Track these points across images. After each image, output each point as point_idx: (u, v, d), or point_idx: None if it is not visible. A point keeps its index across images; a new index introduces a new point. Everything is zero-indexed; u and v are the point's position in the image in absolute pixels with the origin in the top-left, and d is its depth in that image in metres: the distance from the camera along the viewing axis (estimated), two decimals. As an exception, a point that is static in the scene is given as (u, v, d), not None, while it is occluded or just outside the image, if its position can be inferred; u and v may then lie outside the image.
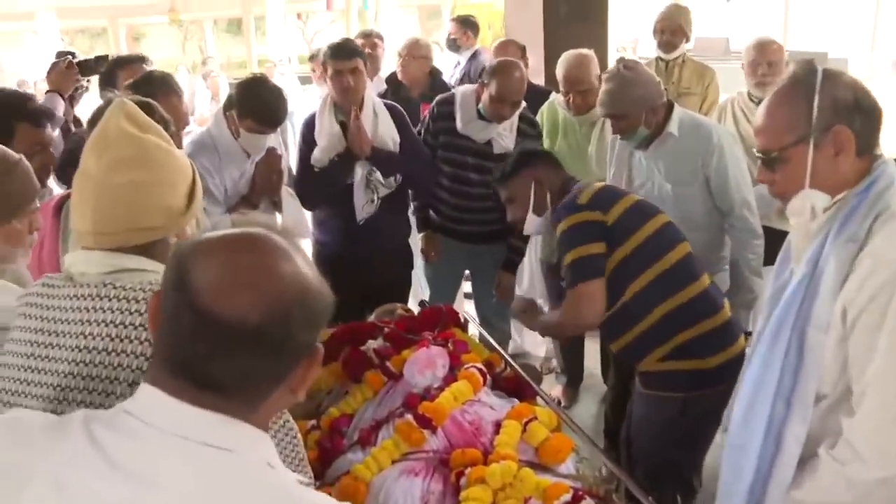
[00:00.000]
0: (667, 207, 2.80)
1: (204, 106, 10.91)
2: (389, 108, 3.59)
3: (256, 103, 3.05)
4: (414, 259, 3.92)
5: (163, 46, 28.24)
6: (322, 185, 3.50)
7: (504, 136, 3.58)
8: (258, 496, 0.98)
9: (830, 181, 1.61)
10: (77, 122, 3.72)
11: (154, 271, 1.34)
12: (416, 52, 4.74)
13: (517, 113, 3.59)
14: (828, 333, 1.57)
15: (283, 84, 12.12)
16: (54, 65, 3.59)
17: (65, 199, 1.96)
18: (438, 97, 3.81)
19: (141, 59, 3.57)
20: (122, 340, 1.27)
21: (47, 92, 3.52)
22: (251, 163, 3.19)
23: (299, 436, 1.50)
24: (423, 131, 3.77)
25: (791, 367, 1.62)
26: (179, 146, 2.48)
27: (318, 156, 3.45)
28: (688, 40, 4.48)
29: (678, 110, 3.09)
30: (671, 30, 4.43)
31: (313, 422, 2.30)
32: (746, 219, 3.04)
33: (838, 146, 1.58)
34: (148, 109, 1.83)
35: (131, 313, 1.28)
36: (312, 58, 6.27)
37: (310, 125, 3.58)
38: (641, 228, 2.49)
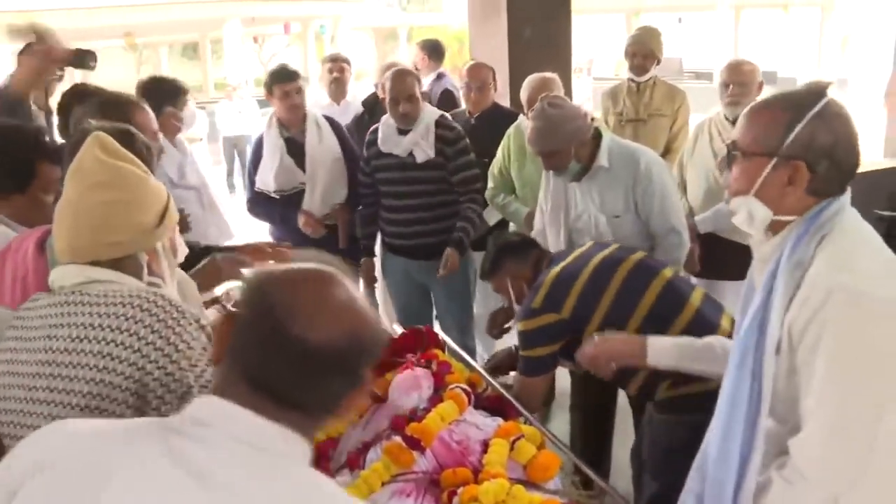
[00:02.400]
0: (604, 237, 2.93)
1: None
2: (329, 121, 4.10)
3: None
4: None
5: (117, 71, 27.95)
6: (271, 216, 4.12)
7: (422, 145, 3.74)
8: (321, 498, 1.09)
9: (774, 202, 1.64)
10: (49, 112, 3.38)
11: (122, 283, 1.48)
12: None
13: (433, 120, 3.77)
14: (778, 357, 1.60)
15: (243, 107, 12.16)
16: (26, 48, 3.23)
17: (46, 235, 1.94)
18: (370, 129, 3.99)
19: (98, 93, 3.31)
20: (82, 341, 1.40)
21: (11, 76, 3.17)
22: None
23: None
24: (362, 163, 3.99)
25: (755, 393, 1.63)
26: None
27: (263, 176, 3.99)
28: (658, 63, 4.57)
29: (606, 139, 3.11)
30: (643, 53, 4.52)
31: (299, 446, 2.29)
32: (671, 242, 3.08)
33: (791, 178, 1.60)
34: (128, 137, 1.87)
35: (95, 315, 1.42)
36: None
37: (259, 143, 4.10)
38: (605, 294, 2.52)
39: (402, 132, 3.76)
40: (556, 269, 2.64)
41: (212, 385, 1.17)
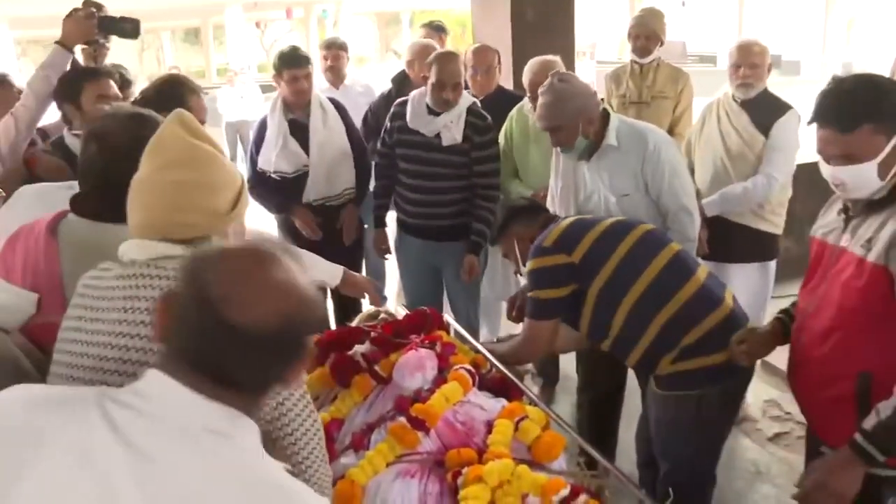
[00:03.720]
0: (615, 217, 2.89)
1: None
2: (335, 104, 4.14)
3: None
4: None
5: (119, 56, 27.89)
6: (271, 199, 4.13)
7: (451, 128, 3.72)
8: (255, 477, 1.11)
9: None
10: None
11: None
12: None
13: (465, 106, 3.74)
14: None
15: (246, 92, 12.12)
16: (72, 12, 3.22)
17: (59, 219, 1.93)
18: (397, 100, 3.99)
19: (108, 74, 3.29)
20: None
21: (56, 42, 3.16)
22: None
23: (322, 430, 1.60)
24: (382, 132, 3.98)
25: None
26: None
27: (265, 156, 4.02)
28: (662, 44, 4.54)
29: (615, 119, 3.10)
30: (646, 35, 4.50)
31: (304, 428, 2.30)
32: (682, 221, 3.07)
33: None
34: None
35: (168, 289, 1.36)
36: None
37: (262, 125, 4.11)
38: (615, 252, 2.54)
39: (434, 112, 3.73)
40: (572, 217, 2.72)
41: (155, 360, 1.19)
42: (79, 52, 3.42)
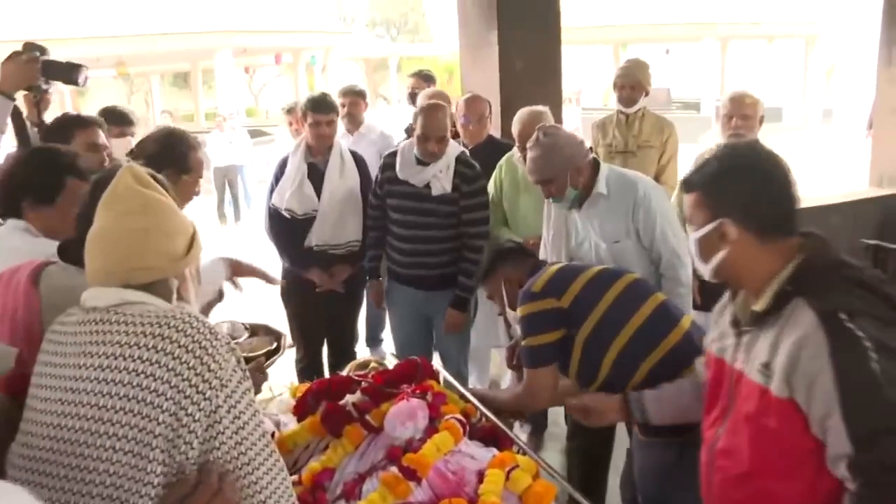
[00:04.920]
0: (605, 264, 2.94)
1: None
2: (355, 156, 4.27)
3: None
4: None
5: (108, 100, 28.03)
6: (284, 238, 4.21)
7: (441, 178, 3.76)
8: None
9: None
10: (44, 130, 3.19)
11: (154, 305, 1.52)
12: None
13: (454, 156, 3.79)
14: None
15: (234, 138, 12.19)
16: (14, 54, 2.98)
17: (41, 269, 1.94)
18: (387, 152, 4.07)
19: (98, 123, 3.23)
20: (117, 358, 1.42)
21: None
22: None
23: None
24: (374, 184, 4.04)
25: None
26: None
27: (279, 193, 4.13)
28: (647, 94, 4.64)
29: (604, 168, 3.17)
30: (631, 85, 4.60)
31: (294, 477, 2.30)
32: (674, 267, 3.13)
33: None
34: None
35: (131, 335, 1.44)
36: (290, 111, 6.48)
37: (283, 163, 4.23)
38: (602, 299, 2.57)
39: (422, 163, 3.79)
40: (560, 263, 2.74)
41: None
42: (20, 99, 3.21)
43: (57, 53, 3.13)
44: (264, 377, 2.32)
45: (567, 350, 2.60)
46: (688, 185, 1.86)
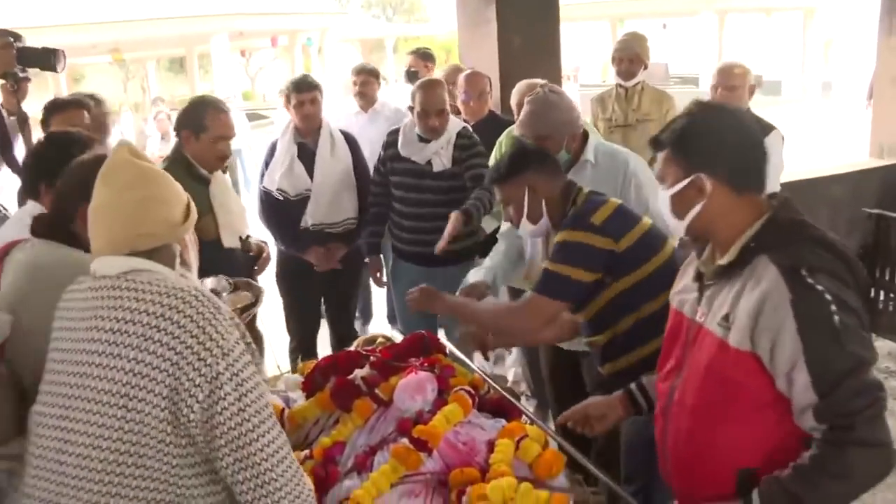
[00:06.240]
0: None
1: (154, 146, 10.83)
2: (344, 134, 4.25)
3: None
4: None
5: (103, 86, 27.94)
6: (281, 235, 4.22)
7: (441, 155, 3.81)
8: None
9: None
10: (23, 119, 3.24)
11: (159, 272, 1.63)
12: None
13: (455, 132, 3.83)
14: None
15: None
16: None
17: (10, 248, 2.07)
18: (390, 129, 4.10)
19: (78, 104, 3.25)
20: (126, 323, 1.53)
21: None
22: None
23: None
24: (377, 161, 4.08)
25: None
26: None
27: (270, 175, 4.13)
28: (646, 68, 4.65)
29: (593, 138, 3.15)
30: (629, 58, 4.60)
31: (306, 452, 2.33)
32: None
33: None
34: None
35: (140, 301, 1.55)
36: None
37: (273, 147, 4.22)
38: (653, 258, 2.48)
39: (424, 140, 3.83)
40: (616, 200, 2.56)
41: None
42: None
43: (53, 41, 3.13)
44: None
45: (591, 293, 2.49)
46: (659, 143, 1.87)
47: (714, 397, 1.79)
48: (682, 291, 1.98)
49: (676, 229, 1.90)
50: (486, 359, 3.83)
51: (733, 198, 1.79)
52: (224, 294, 2.46)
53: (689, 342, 1.89)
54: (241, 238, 3.45)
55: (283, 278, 4.30)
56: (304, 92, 4.04)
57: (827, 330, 1.61)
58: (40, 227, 2.07)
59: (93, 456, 1.51)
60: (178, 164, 3.33)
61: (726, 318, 1.75)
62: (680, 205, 1.83)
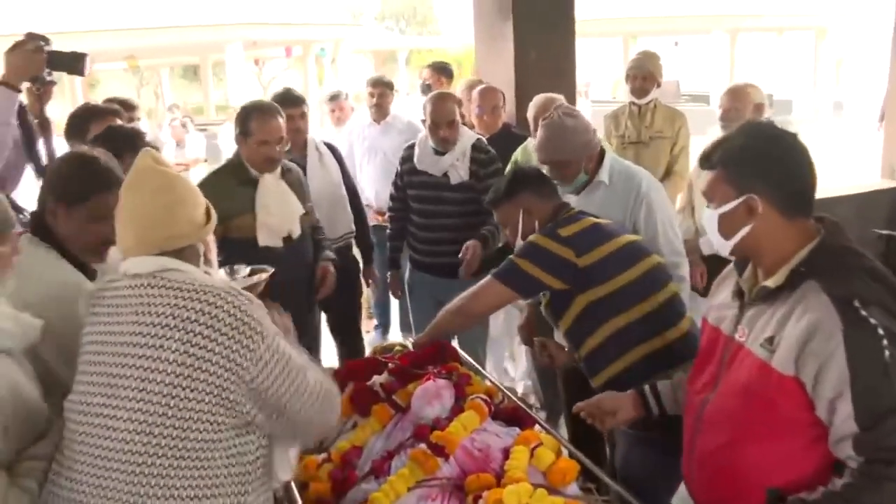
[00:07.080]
0: None
1: (169, 153, 10.90)
2: (330, 148, 4.29)
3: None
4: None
5: (118, 92, 28.05)
6: None
7: (458, 167, 3.86)
8: None
9: None
10: (46, 124, 3.18)
11: (188, 270, 1.76)
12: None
13: (470, 143, 3.88)
14: None
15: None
16: (18, 44, 2.88)
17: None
18: (404, 143, 4.17)
19: (114, 112, 3.32)
20: (168, 317, 1.66)
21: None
22: None
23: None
24: (395, 176, 4.14)
25: None
26: None
27: None
28: (658, 86, 4.72)
29: (608, 157, 3.16)
30: (643, 76, 4.67)
31: (324, 455, 2.38)
32: (678, 266, 3.09)
33: None
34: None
35: (179, 299, 1.68)
36: (333, 98, 6.38)
37: None
38: (625, 272, 2.54)
39: (439, 153, 3.89)
40: (594, 219, 2.65)
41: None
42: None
43: (67, 47, 3.10)
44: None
45: (564, 303, 2.58)
46: (708, 161, 1.88)
47: (749, 416, 1.81)
48: (719, 308, 1.99)
49: (721, 248, 1.91)
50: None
51: (783, 221, 1.80)
52: (238, 276, 2.45)
53: (727, 360, 1.90)
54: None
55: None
56: (290, 107, 3.93)
57: (877, 364, 1.63)
58: (30, 223, 2.22)
59: (136, 440, 1.63)
60: (228, 166, 3.54)
61: (770, 340, 1.76)
62: (728, 225, 1.84)
